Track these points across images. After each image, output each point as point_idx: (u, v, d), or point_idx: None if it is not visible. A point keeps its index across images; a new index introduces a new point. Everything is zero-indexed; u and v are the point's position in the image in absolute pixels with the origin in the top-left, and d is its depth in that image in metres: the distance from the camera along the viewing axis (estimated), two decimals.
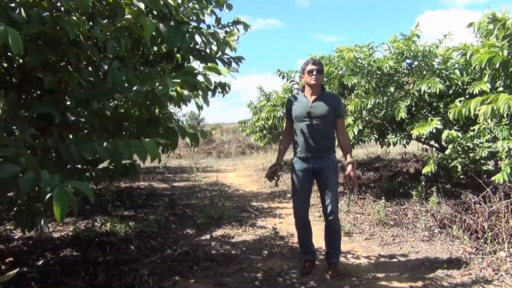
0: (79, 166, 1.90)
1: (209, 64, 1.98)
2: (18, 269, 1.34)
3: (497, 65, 3.08)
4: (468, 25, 3.31)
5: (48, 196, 1.27)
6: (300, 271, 2.98)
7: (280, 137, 3.26)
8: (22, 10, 1.65)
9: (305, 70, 2.89)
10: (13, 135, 1.56)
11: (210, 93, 2.56)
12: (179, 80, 1.77)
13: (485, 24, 3.14)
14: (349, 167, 2.87)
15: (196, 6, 2.79)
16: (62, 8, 1.83)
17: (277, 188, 7.02)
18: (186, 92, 1.80)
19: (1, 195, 1.47)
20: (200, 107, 1.94)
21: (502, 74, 3.13)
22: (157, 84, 1.76)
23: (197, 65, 3.08)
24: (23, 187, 1.29)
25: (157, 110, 2.41)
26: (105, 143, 1.62)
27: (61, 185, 1.30)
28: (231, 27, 3.13)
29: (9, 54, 1.92)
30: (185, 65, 3.02)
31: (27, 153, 1.43)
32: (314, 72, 2.84)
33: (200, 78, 1.98)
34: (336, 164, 2.96)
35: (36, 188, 1.35)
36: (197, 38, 2.64)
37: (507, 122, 3.95)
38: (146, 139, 1.62)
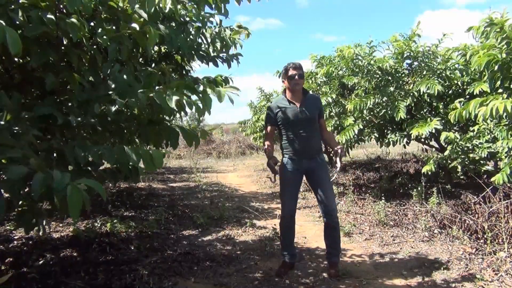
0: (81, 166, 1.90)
1: (210, 78, 1.99)
2: (12, 272, 1.34)
3: (496, 68, 3.09)
4: (468, 30, 3.31)
5: (61, 196, 1.28)
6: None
7: (263, 141, 3.22)
8: (20, 12, 1.65)
9: (286, 75, 2.88)
10: (17, 136, 1.56)
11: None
12: (178, 98, 1.76)
13: (481, 30, 3.15)
14: (339, 147, 2.94)
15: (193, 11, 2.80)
16: (64, 10, 1.84)
17: (277, 188, 7.05)
18: (186, 100, 1.80)
19: (12, 195, 1.47)
20: (201, 112, 1.94)
21: (501, 76, 3.13)
22: (157, 94, 1.76)
23: (197, 65, 3.09)
24: (35, 187, 1.29)
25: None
26: (113, 148, 1.64)
27: (73, 184, 1.31)
28: (235, 33, 3.14)
29: (10, 54, 1.92)
30: (185, 66, 3.04)
31: (33, 154, 1.43)
32: (296, 77, 2.84)
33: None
34: (326, 163, 3.00)
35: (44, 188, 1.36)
36: (199, 39, 2.65)
37: (507, 122, 3.95)
38: (154, 150, 1.67)
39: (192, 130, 2.06)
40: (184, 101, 1.75)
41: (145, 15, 1.89)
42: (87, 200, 1.35)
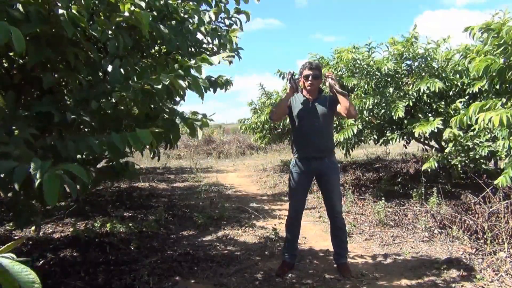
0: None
1: (202, 56, 1.99)
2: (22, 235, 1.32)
3: (494, 73, 3.08)
4: (465, 30, 3.31)
5: (38, 181, 1.25)
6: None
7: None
8: (20, 6, 1.65)
9: (302, 74, 2.92)
10: (13, 135, 1.56)
11: (211, 89, 2.54)
12: (172, 74, 1.78)
13: (478, 35, 3.15)
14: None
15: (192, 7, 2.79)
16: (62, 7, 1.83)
17: (277, 189, 7.05)
18: (182, 83, 1.80)
19: (2, 189, 1.47)
20: (201, 94, 1.94)
21: (499, 81, 3.13)
22: (153, 78, 1.77)
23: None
24: (16, 176, 1.28)
25: (155, 105, 2.40)
26: (101, 138, 1.63)
27: (52, 169, 1.28)
28: (234, 18, 3.10)
29: (10, 54, 1.92)
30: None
31: (23, 147, 1.43)
32: (310, 78, 2.88)
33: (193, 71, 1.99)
34: (337, 166, 2.98)
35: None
36: (199, 35, 2.64)
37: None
38: (140, 130, 1.64)
39: (193, 118, 2.05)
40: (176, 84, 1.76)
41: (143, 4, 1.89)
42: (73, 187, 1.32)
